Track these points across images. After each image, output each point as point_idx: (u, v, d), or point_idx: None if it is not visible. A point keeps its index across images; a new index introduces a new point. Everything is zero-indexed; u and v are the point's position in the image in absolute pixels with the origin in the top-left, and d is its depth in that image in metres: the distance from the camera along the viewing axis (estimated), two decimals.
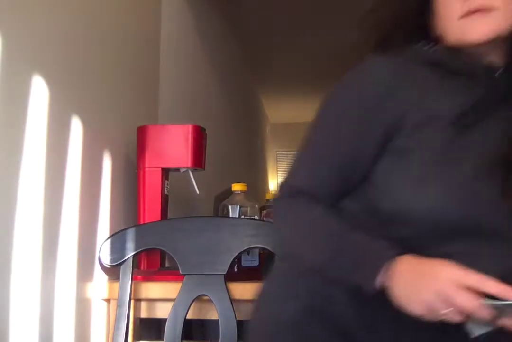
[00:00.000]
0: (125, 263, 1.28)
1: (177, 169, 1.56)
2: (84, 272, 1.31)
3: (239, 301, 1.26)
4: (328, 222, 0.72)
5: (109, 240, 1.31)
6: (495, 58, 0.78)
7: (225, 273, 1.24)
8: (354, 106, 0.78)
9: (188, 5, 2.57)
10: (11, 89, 1.03)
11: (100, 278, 1.38)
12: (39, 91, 1.12)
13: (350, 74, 0.83)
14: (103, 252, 1.30)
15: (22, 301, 1.04)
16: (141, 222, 1.45)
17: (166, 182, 1.53)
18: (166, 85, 2.10)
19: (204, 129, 1.55)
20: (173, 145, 1.49)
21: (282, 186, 0.80)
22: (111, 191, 1.49)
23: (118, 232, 1.32)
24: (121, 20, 1.65)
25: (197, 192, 1.58)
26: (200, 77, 2.85)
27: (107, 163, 1.49)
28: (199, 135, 1.52)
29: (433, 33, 0.80)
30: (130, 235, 1.30)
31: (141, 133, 1.52)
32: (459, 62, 0.76)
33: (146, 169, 1.49)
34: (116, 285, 1.30)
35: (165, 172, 1.52)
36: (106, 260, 1.30)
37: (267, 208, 1.86)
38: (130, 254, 1.28)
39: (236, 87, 4.14)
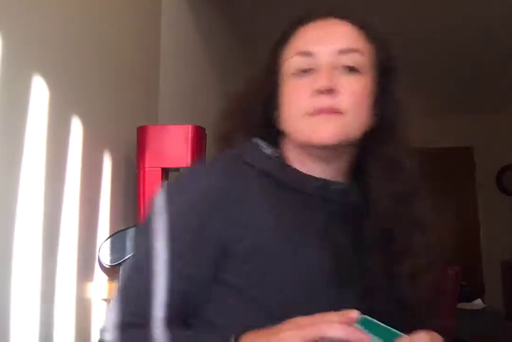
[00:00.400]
0: (125, 263, 1.28)
1: (177, 169, 1.56)
2: (84, 272, 1.31)
3: None
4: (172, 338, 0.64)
5: (109, 240, 1.31)
6: (343, 166, 0.75)
7: None
8: (184, 223, 0.68)
9: (188, 5, 2.57)
10: (11, 89, 1.03)
11: (100, 278, 1.38)
12: (39, 91, 1.12)
13: (176, 186, 0.74)
14: (103, 252, 1.30)
15: (23, 301, 1.04)
16: None
17: (166, 181, 1.53)
18: (166, 85, 2.10)
19: (204, 129, 1.55)
20: (173, 145, 1.49)
21: (116, 314, 0.67)
22: (111, 191, 1.49)
23: (118, 232, 1.32)
24: (121, 21, 1.66)
25: None
26: (200, 77, 2.85)
27: (107, 163, 1.49)
28: (199, 135, 1.52)
29: (282, 129, 0.75)
30: (130, 235, 1.30)
31: (141, 133, 1.52)
32: (289, 176, 0.72)
33: (146, 169, 1.49)
34: (116, 285, 1.30)
35: (165, 171, 1.53)
36: (106, 260, 1.30)
37: None
38: (130, 254, 1.28)
39: (236, 87, 4.14)
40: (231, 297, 0.68)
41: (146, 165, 1.49)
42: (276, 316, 0.60)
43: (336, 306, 0.58)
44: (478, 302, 3.62)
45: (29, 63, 1.10)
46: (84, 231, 1.30)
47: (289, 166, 0.74)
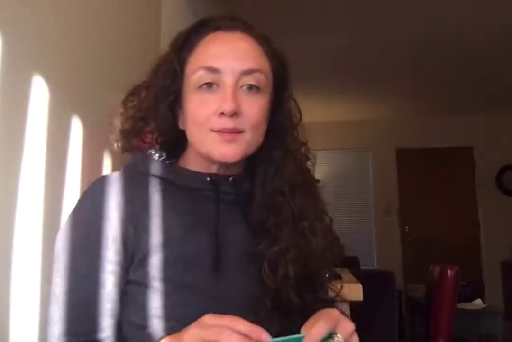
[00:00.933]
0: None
1: None
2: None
3: None
4: None
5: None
6: (237, 167, 0.83)
7: None
8: (90, 232, 0.76)
9: (188, 4, 2.57)
10: (11, 89, 1.03)
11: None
12: (39, 91, 1.12)
13: (82, 195, 0.82)
14: None
15: (23, 301, 1.04)
16: None
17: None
18: None
19: None
20: None
21: None
22: None
23: None
24: (121, 20, 1.66)
25: None
26: None
27: (107, 163, 1.49)
28: None
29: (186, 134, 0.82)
30: None
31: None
32: (177, 176, 0.80)
33: None
34: None
35: None
36: None
37: None
38: None
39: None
40: (140, 295, 0.74)
41: None
42: (174, 300, 0.71)
43: (214, 289, 0.72)
44: (478, 302, 3.62)
45: (29, 63, 1.10)
46: None
47: (177, 168, 0.83)
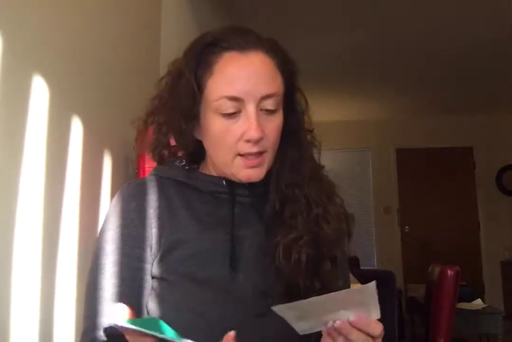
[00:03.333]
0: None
1: None
2: (85, 272, 1.31)
3: None
4: None
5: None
6: None
7: None
8: (119, 231, 0.84)
9: (188, 5, 2.57)
10: (11, 89, 1.03)
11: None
12: (39, 91, 1.12)
13: (114, 200, 0.88)
14: None
15: (23, 301, 1.04)
16: None
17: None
18: None
19: None
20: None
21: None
22: (111, 191, 1.49)
23: None
24: (121, 21, 1.66)
25: None
26: None
27: (107, 163, 1.49)
28: None
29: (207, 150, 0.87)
30: None
31: (141, 133, 1.52)
32: (195, 180, 0.87)
33: (146, 169, 1.49)
34: None
35: None
36: None
37: None
38: None
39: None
40: (160, 289, 0.80)
41: (146, 165, 1.50)
42: (189, 293, 0.77)
43: (228, 284, 0.77)
44: (478, 302, 3.62)
45: (29, 63, 1.10)
46: (84, 230, 1.30)
47: (197, 173, 0.88)
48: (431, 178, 6.10)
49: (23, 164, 1.05)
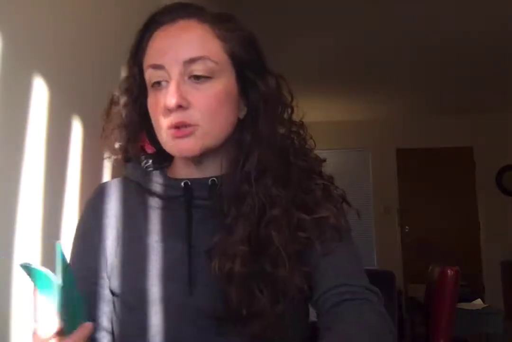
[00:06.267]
0: None
1: None
2: None
3: None
4: None
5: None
6: (219, 161, 0.79)
7: None
8: (77, 241, 0.85)
9: None
10: (11, 89, 1.03)
11: None
12: (39, 91, 1.12)
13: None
14: None
15: (23, 301, 1.04)
16: None
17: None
18: None
19: None
20: None
21: None
22: None
23: None
24: (121, 20, 1.65)
25: None
26: None
27: (107, 163, 1.48)
28: None
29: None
30: None
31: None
32: (157, 186, 0.81)
33: None
34: None
35: None
36: None
37: None
38: None
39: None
40: (116, 307, 0.78)
41: None
42: (131, 305, 0.74)
43: (185, 301, 0.71)
44: (478, 302, 3.62)
45: (29, 63, 1.10)
46: None
47: (156, 175, 0.82)
48: (431, 178, 6.10)
49: (23, 164, 1.05)
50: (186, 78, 0.73)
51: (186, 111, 0.72)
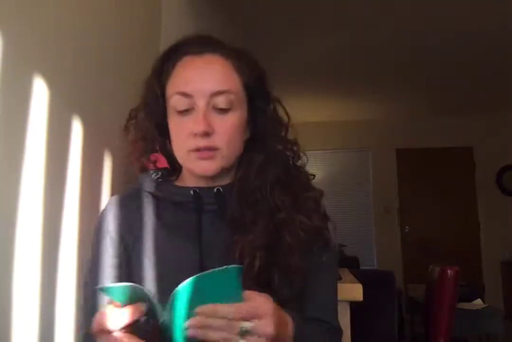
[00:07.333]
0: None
1: None
2: (85, 272, 1.31)
3: None
4: None
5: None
6: (224, 178, 0.91)
7: None
8: (98, 242, 0.91)
9: (188, 5, 2.57)
10: (11, 89, 1.03)
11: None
12: (39, 91, 1.13)
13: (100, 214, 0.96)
14: None
15: (23, 301, 1.04)
16: None
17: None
18: None
19: None
20: None
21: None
22: (111, 191, 1.49)
23: None
24: (121, 20, 1.66)
25: None
26: None
27: (107, 163, 1.49)
28: None
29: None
30: None
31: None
32: (164, 192, 0.91)
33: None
34: None
35: None
36: None
37: None
38: None
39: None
40: None
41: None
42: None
43: None
44: (478, 302, 3.62)
45: (30, 63, 1.10)
46: (84, 231, 1.30)
47: (167, 184, 0.93)
48: (431, 178, 6.10)
49: (23, 164, 1.05)
50: (210, 107, 0.84)
51: (211, 137, 0.83)
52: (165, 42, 2.12)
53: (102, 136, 1.46)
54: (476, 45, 3.97)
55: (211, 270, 0.64)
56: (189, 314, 0.64)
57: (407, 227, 6.12)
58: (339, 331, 0.91)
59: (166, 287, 0.76)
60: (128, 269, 0.88)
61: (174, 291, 0.64)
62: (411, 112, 6.08)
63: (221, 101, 0.84)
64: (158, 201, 0.91)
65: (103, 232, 0.90)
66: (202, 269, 0.80)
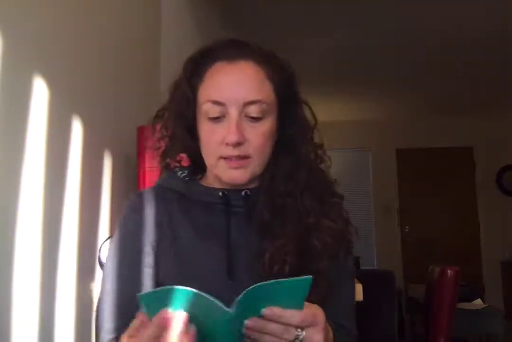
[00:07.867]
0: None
1: None
2: (85, 272, 1.31)
3: None
4: None
5: (109, 240, 1.31)
6: (252, 182, 0.89)
7: None
8: (124, 242, 0.89)
9: (188, 5, 2.57)
10: (11, 89, 1.03)
11: (100, 278, 1.38)
12: (40, 91, 1.13)
13: (124, 210, 0.94)
14: (104, 252, 1.30)
15: (23, 301, 1.04)
16: None
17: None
18: (166, 85, 2.10)
19: None
20: None
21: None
22: (111, 191, 1.49)
23: None
24: (121, 21, 1.66)
25: None
26: None
27: (107, 163, 1.49)
28: None
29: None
30: None
31: (141, 133, 1.52)
32: (193, 191, 0.90)
33: (146, 169, 1.49)
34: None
35: None
36: None
37: None
38: None
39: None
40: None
41: (146, 165, 1.49)
42: None
43: (225, 297, 0.70)
44: (478, 302, 3.62)
45: (30, 63, 1.10)
46: (84, 230, 1.30)
47: (195, 184, 0.92)
48: (431, 178, 6.10)
49: (23, 164, 1.05)
50: (242, 116, 0.83)
51: (243, 146, 0.83)
52: (165, 42, 2.12)
53: (102, 136, 1.46)
54: (476, 45, 3.96)
55: (289, 278, 0.64)
56: (252, 313, 0.65)
57: (407, 227, 6.12)
58: (357, 339, 0.92)
59: (191, 287, 0.76)
60: (155, 267, 0.86)
61: (247, 289, 0.63)
62: (411, 112, 6.08)
63: (253, 110, 0.83)
64: (185, 200, 0.90)
65: (128, 230, 0.88)
66: (229, 271, 0.82)
